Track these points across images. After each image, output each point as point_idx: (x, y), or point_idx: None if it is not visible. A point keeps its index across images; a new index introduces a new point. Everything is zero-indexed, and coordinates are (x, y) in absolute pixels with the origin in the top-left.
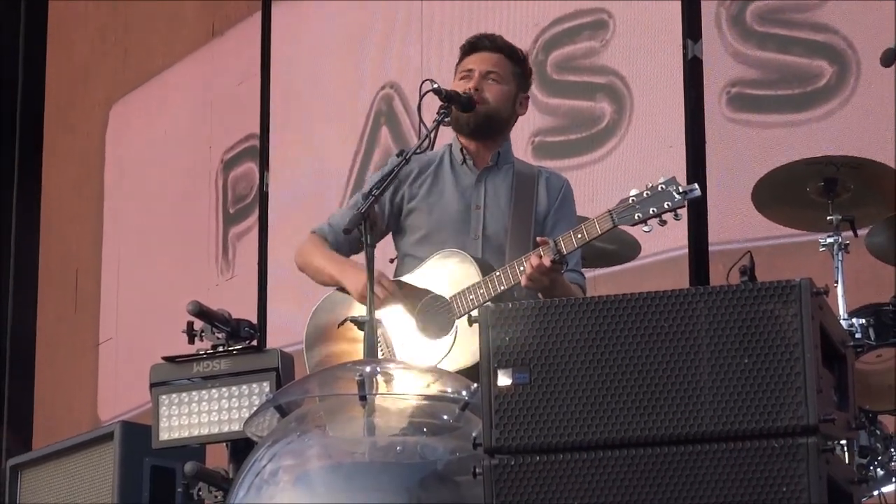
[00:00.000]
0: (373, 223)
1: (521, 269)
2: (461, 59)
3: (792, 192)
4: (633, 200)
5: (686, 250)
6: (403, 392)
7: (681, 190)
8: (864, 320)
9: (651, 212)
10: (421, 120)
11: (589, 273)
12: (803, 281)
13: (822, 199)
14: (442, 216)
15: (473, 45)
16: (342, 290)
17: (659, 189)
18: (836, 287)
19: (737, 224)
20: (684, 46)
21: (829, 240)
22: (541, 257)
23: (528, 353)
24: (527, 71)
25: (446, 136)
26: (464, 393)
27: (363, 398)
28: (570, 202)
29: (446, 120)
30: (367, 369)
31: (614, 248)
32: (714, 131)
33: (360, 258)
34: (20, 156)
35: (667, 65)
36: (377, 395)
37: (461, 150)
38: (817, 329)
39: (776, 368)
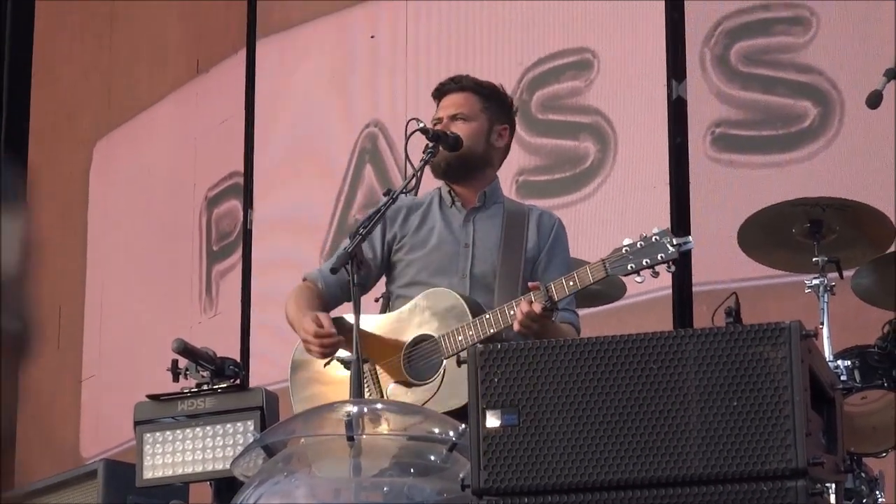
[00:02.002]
0: (360, 262)
1: (512, 313)
2: (436, 107)
3: (777, 233)
4: (626, 251)
5: (669, 291)
6: (390, 432)
7: (675, 242)
8: (849, 362)
9: (644, 263)
10: (408, 159)
11: None
12: (793, 323)
13: (807, 240)
14: (430, 257)
15: (441, 91)
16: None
17: (653, 240)
18: (821, 329)
19: (721, 265)
20: (669, 86)
21: (815, 281)
22: (531, 304)
23: (516, 395)
24: (502, 103)
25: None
26: (451, 434)
27: (350, 438)
28: (563, 241)
29: (433, 159)
30: (354, 409)
31: (600, 288)
32: (698, 171)
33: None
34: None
35: (651, 105)
36: (364, 436)
37: (449, 192)
38: (806, 372)
39: (765, 411)
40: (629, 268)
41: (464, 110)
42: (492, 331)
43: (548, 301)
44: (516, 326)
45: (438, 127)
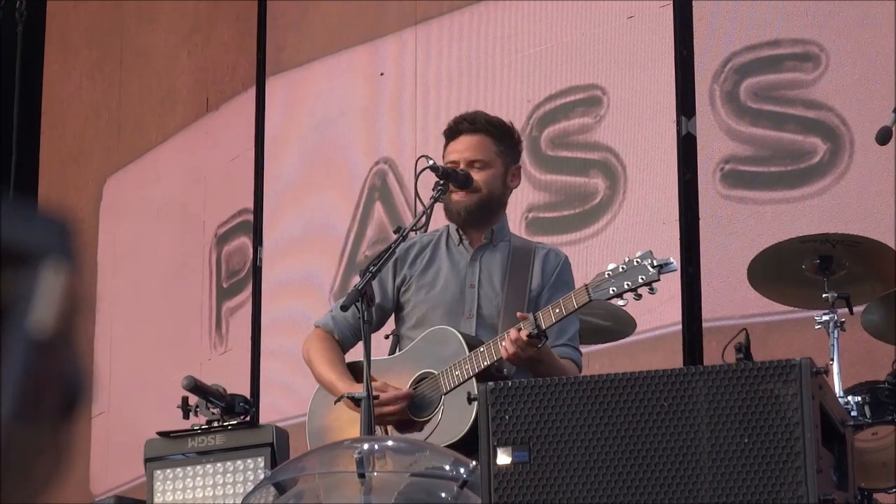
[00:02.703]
0: (370, 300)
1: (503, 343)
2: (446, 144)
3: (787, 269)
4: (608, 275)
5: (680, 326)
6: (402, 469)
7: (655, 264)
8: (860, 398)
9: (626, 286)
10: (417, 196)
11: (583, 349)
12: (804, 360)
13: (817, 276)
14: (437, 298)
15: (453, 130)
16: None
17: (634, 263)
18: (831, 365)
19: (731, 301)
20: (678, 123)
21: (825, 317)
22: (519, 331)
23: (527, 432)
24: (514, 142)
25: (442, 212)
26: (462, 471)
27: (361, 475)
28: (566, 278)
29: (442, 197)
30: (366, 446)
31: (609, 325)
32: (708, 208)
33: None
34: None
35: (660, 141)
36: (375, 473)
37: (457, 230)
38: (817, 408)
39: (776, 448)
40: (611, 291)
41: (481, 156)
42: (485, 363)
43: (535, 329)
44: (503, 354)
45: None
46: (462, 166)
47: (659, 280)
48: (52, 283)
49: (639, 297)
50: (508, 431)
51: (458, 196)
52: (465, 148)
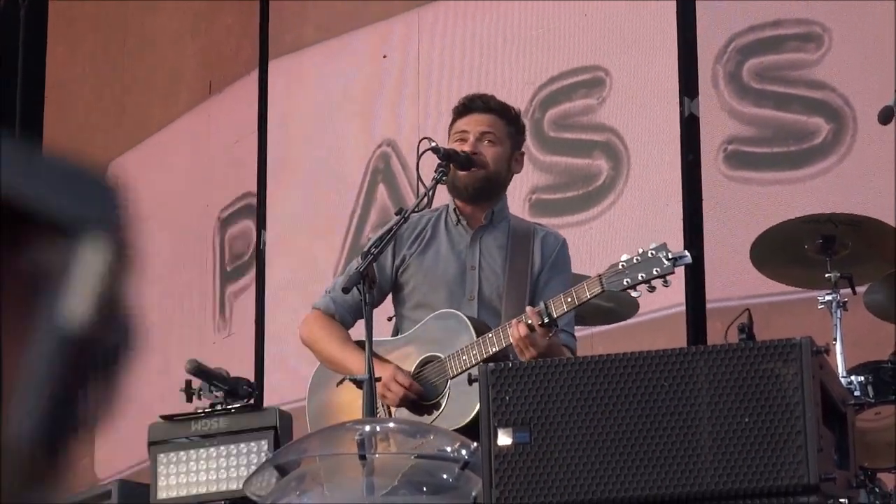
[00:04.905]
0: (371, 282)
1: (513, 335)
2: (454, 121)
3: (790, 249)
4: (622, 266)
5: (683, 308)
6: (403, 451)
7: (670, 256)
8: (862, 378)
9: (640, 278)
10: (419, 178)
11: (586, 331)
12: (804, 340)
13: (820, 256)
14: (437, 279)
15: (466, 107)
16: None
17: (649, 255)
18: (834, 345)
19: (734, 281)
20: (681, 104)
21: (828, 297)
22: (528, 324)
23: (528, 413)
24: (520, 129)
25: (444, 193)
26: (464, 452)
27: (363, 457)
28: (565, 261)
29: (444, 179)
30: (367, 428)
31: (612, 306)
32: (711, 188)
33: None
34: None
35: (663, 122)
36: (377, 455)
37: (455, 210)
38: (818, 388)
39: (776, 427)
40: (625, 283)
41: (494, 131)
42: (493, 349)
43: (547, 318)
44: (514, 342)
45: (464, 142)
46: (472, 138)
47: (674, 273)
48: (91, 264)
49: (652, 289)
50: (509, 412)
51: (464, 173)
52: (476, 122)
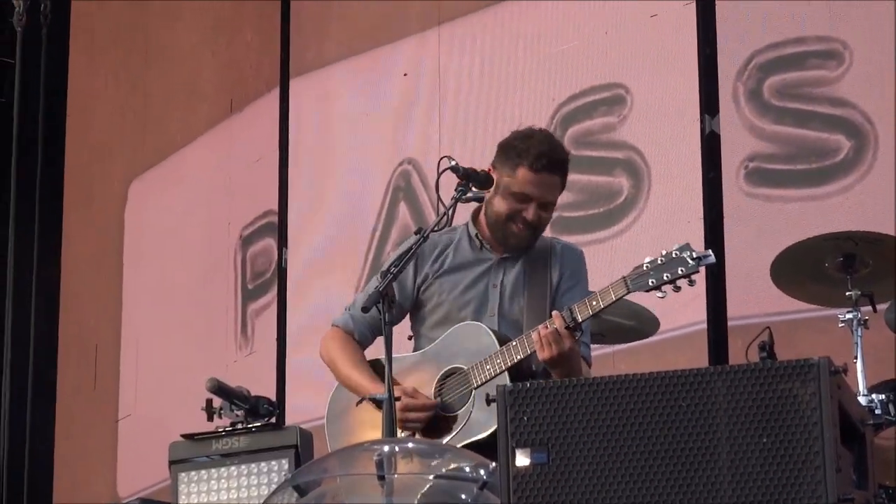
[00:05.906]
0: (391, 301)
1: (537, 338)
2: (518, 167)
3: (810, 267)
4: (647, 267)
5: (704, 326)
6: (422, 471)
7: (695, 256)
8: (883, 396)
9: (665, 278)
10: (439, 198)
11: (608, 349)
12: (822, 360)
13: (840, 274)
14: (461, 298)
15: (539, 164)
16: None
17: (673, 255)
18: (855, 363)
19: (755, 299)
20: (702, 121)
21: (849, 315)
22: (551, 326)
23: (546, 433)
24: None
25: (464, 212)
26: (482, 472)
27: (381, 478)
28: (582, 272)
29: (464, 197)
30: (386, 448)
31: (633, 325)
32: (732, 206)
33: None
34: (39, 232)
35: (684, 140)
36: (396, 475)
37: (476, 235)
38: (836, 408)
39: (794, 448)
40: (650, 283)
41: (553, 199)
42: (518, 357)
43: (572, 322)
44: (537, 347)
45: (523, 205)
46: (535, 209)
47: (699, 272)
48: None
49: (678, 289)
50: (527, 433)
51: (516, 229)
52: (545, 188)
